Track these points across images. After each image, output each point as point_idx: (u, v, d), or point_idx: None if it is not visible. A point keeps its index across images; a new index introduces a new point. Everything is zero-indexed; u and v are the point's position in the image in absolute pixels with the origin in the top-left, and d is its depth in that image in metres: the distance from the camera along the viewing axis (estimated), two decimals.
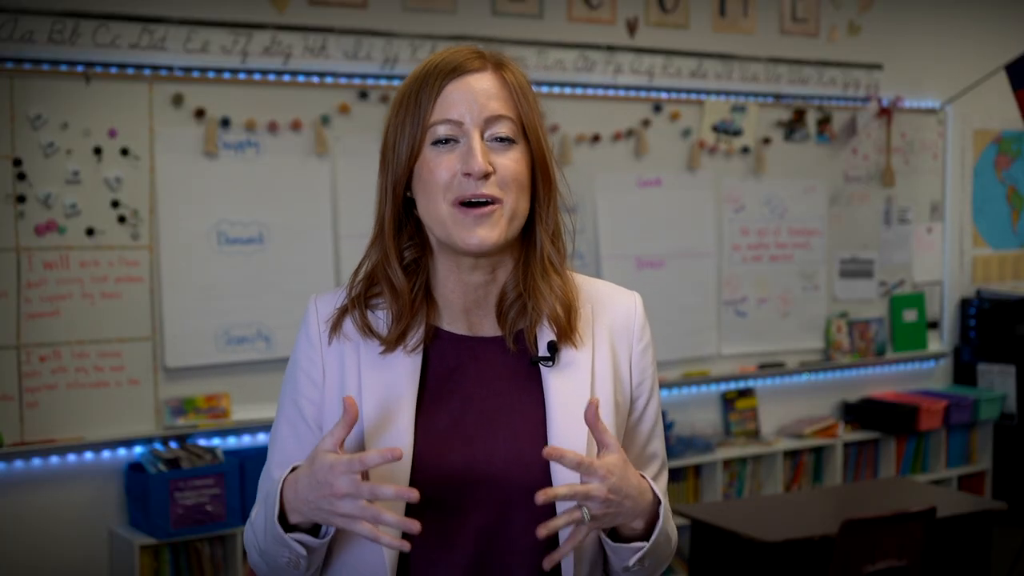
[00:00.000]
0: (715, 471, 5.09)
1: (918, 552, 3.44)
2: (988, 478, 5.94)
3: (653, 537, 1.41)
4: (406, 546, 1.29)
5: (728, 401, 5.34)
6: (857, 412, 5.64)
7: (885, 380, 5.86)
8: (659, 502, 1.42)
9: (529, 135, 1.44)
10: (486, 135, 1.41)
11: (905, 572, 3.42)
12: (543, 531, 1.31)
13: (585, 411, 1.35)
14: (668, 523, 1.44)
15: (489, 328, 1.49)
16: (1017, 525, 5.29)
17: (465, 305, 1.48)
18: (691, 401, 5.25)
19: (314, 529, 1.39)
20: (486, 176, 1.39)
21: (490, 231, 1.40)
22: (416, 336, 1.45)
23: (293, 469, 1.40)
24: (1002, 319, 5.93)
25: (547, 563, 1.36)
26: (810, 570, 3.50)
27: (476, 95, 1.41)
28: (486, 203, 1.40)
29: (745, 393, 5.38)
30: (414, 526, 1.28)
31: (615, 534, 1.42)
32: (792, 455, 5.38)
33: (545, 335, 1.47)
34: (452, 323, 1.49)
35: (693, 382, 5.21)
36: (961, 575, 3.85)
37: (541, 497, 1.29)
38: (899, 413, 5.54)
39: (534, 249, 1.47)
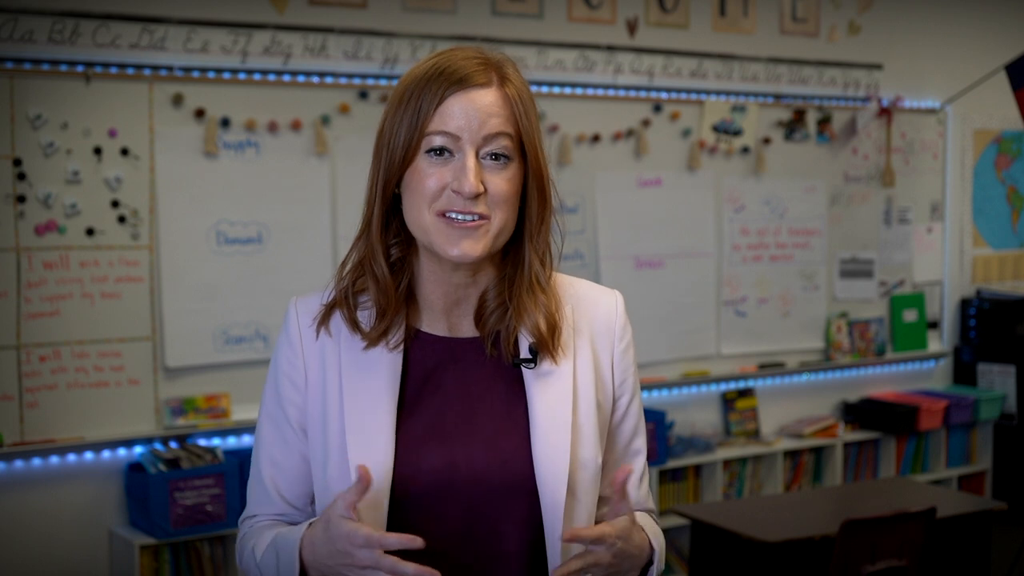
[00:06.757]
0: (715, 471, 5.09)
1: (918, 552, 3.44)
2: (988, 478, 5.93)
3: None
4: None
5: (728, 401, 5.34)
6: (857, 412, 5.64)
7: (885, 380, 5.86)
8: (653, 550, 1.48)
9: (528, 151, 1.44)
10: (482, 152, 1.40)
11: (905, 572, 3.42)
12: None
13: (616, 475, 1.39)
14: (660, 561, 1.50)
15: (468, 329, 1.49)
16: (1017, 525, 5.29)
17: (446, 306, 1.49)
18: (691, 401, 5.25)
19: None
20: (476, 196, 1.39)
21: (474, 244, 1.40)
22: (397, 335, 1.46)
23: (310, 525, 1.41)
24: (1002, 319, 5.93)
25: None
26: (810, 570, 3.50)
27: (477, 111, 1.40)
28: (473, 218, 1.40)
29: (745, 393, 5.38)
30: (433, 574, 1.30)
31: None
32: (792, 455, 5.38)
33: (526, 339, 1.47)
34: (432, 324, 1.49)
35: (693, 382, 5.21)
36: (961, 575, 3.85)
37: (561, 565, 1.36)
38: (899, 413, 5.54)
39: (522, 265, 1.47)
